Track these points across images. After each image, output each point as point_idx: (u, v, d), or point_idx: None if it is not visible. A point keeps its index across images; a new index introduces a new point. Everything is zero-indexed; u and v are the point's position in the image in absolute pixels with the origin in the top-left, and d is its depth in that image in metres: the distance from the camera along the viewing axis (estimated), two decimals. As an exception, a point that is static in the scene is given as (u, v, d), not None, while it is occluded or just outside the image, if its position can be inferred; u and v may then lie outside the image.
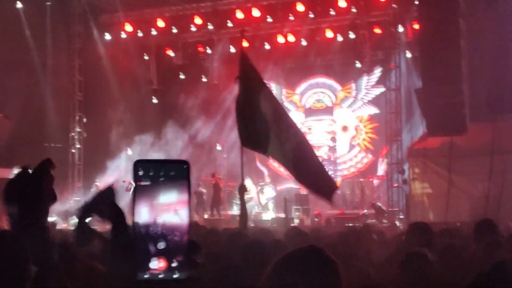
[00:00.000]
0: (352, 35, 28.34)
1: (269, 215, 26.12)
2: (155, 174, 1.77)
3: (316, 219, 24.58)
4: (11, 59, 25.54)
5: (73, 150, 29.13)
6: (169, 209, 1.76)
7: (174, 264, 1.76)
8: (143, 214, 1.76)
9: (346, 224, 18.76)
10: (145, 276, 1.76)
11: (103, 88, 29.41)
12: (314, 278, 2.39)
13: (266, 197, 27.32)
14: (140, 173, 1.77)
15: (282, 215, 23.90)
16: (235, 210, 27.18)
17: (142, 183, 1.77)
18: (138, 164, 1.79)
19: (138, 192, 1.76)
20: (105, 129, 29.03)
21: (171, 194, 1.76)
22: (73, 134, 29.27)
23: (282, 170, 31.38)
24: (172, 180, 1.77)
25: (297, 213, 25.00)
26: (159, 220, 1.76)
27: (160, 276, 1.76)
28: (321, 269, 2.43)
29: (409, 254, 5.81)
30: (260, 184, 27.75)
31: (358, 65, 29.24)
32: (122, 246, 2.00)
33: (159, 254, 1.76)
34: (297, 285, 2.37)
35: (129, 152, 28.45)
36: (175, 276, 1.76)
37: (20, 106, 25.53)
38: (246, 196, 26.80)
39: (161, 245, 1.75)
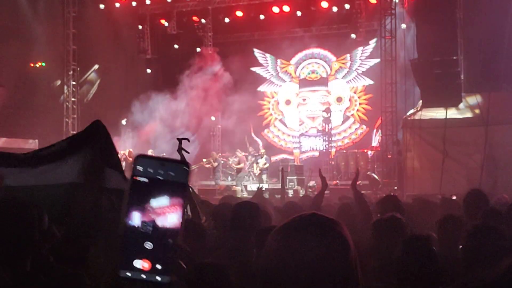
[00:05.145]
0: (347, 6, 28.24)
1: (263, 186, 26.07)
2: (153, 172, 1.71)
3: (310, 190, 24.54)
4: (4, 27, 25.34)
5: (67, 119, 28.93)
6: (162, 210, 1.70)
7: (158, 267, 1.69)
8: (135, 210, 1.71)
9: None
10: (127, 274, 1.69)
11: (97, 57, 29.28)
12: (321, 243, 2.33)
13: (261, 167, 27.30)
14: (139, 168, 1.71)
15: (277, 186, 23.84)
16: (229, 181, 27.28)
17: (140, 179, 1.71)
18: (139, 159, 1.73)
19: (134, 188, 1.70)
20: (99, 98, 28.98)
21: (167, 195, 1.71)
22: (67, 103, 29.09)
23: (276, 141, 31.60)
24: (170, 181, 1.71)
25: (291, 184, 24.95)
26: (150, 220, 1.70)
27: (142, 276, 1.70)
28: (326, 233, 2.38)
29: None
30: (254, 154, 27.68)
31: (353, 36, 29.13)
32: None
33: (144, 254, 1.69)
34: (304, 251, 2.31)
35: (123, 122, 28.43)
36: (157, 278, 1.70)
37: (14, 74, 25.38)
38: (237, 166, 27.00)
39: (148, 246, 1.69)
